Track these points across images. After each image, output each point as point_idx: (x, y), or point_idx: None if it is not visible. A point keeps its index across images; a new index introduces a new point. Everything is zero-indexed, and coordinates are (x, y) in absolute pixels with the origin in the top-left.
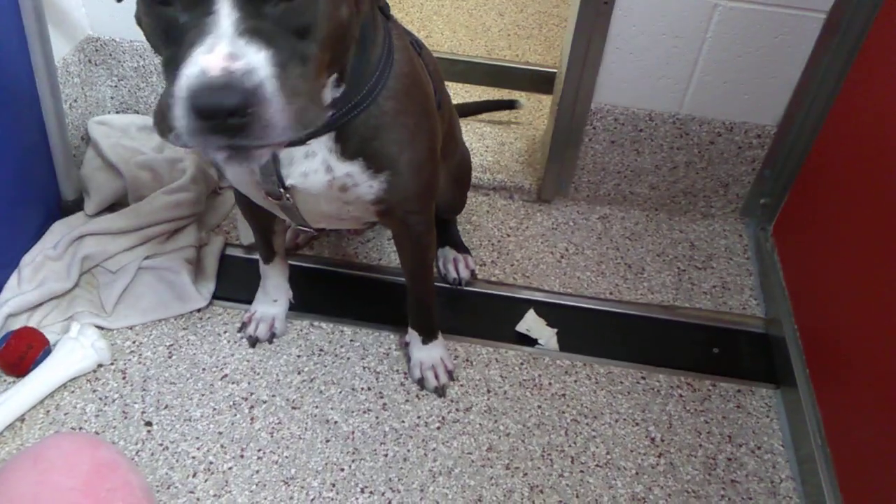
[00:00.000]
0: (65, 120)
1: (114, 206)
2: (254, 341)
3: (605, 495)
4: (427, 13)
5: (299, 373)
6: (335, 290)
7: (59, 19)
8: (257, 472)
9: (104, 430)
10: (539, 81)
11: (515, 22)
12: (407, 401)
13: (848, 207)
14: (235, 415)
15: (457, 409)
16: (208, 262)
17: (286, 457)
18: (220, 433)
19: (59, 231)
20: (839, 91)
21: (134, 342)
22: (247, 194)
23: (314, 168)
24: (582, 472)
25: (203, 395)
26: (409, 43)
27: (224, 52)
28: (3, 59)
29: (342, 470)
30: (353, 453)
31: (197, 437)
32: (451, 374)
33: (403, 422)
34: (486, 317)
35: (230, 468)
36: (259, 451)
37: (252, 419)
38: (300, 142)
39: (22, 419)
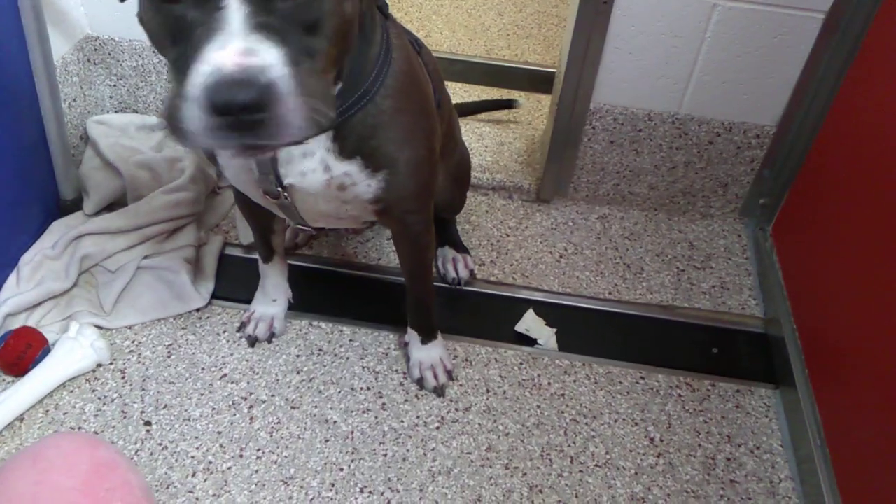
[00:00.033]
0: (63, 119)
1: (112, 206)
2: (253, 341)
3: (605, 495)
4: (426, 13)
5: (298, 372)
6: (334, 290)
7: (58, 18)
8: (256, 471)
9: (103, 429)
10: (538, 81)
11: (514, 22)
12: (406, 401)
13: (847, 207)
14: (234, 414)
15: (456, 409)
16: (207, 261)
17: (285, 456)
18: (220, 433)
19: (58, 230)
20: (838, 91)
21: (133, 342)
22: (245, 192)
23: (312, 167)
24: (581, 471)
25: (202, 394)
26: (409, 42)
27: (238, 48)
28: (2, 59)
29: (341, 470)
30: (353, 453)
31: (196, 437)
32: (450, 374)
33: (402, 422)
34: (486, 317)
35: (229, 468)
36: (258, 450)
37: (251, 419)
38: (299, 140)
39: (21, 419)
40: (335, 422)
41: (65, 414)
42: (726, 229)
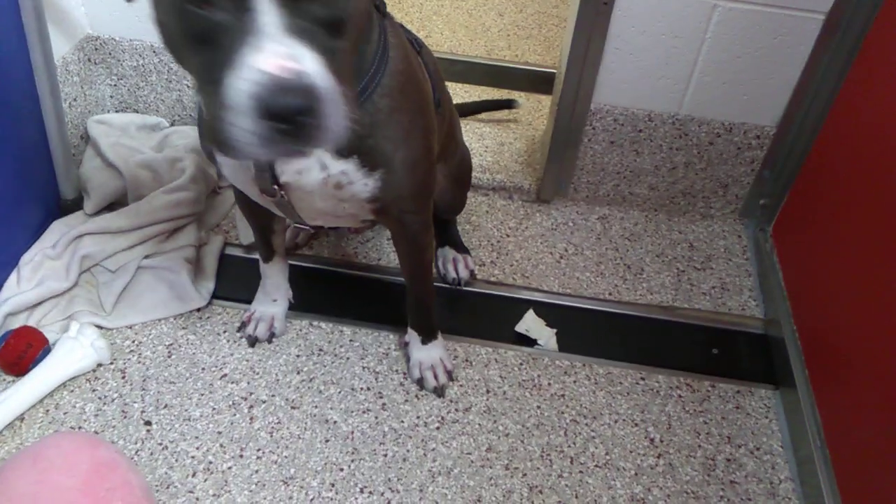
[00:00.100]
0: (64, 119)
1: (113, 206)
2: (253, 341)
3: (605, 496)
4: (426, 13)
5: (298, 372)
6: (335, 290)
7: (59, 18)
8: (256, 471)
9: (103, 429)
10: (538, 81)
11: (515, 22)
12: (406, 401)
13: (847, 208)
14: (235, 414)
15: (456, 410)
16: (208, 261)
17: (285, 456)
18: (220, 433)
19: (59, 230)
20: (838, 92)
21: (133, 341)
22: (243, 190)
23: (308, 166)
24: (581, 472)
25: (202, 394)
26: (407, 41)
27: (280, 52)
28: (3, 58)
29: (341, 470)
30: (353, 453)
31: (196, 437)
32: (450, 375)
33: (403, 422)
34: (486, 317)
35: (229, 468)
36: (258, 450)
37: (251, 419)
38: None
39: (21, 418)
40: (335, 422)
41: (65, 414)
42: (726, 230)
